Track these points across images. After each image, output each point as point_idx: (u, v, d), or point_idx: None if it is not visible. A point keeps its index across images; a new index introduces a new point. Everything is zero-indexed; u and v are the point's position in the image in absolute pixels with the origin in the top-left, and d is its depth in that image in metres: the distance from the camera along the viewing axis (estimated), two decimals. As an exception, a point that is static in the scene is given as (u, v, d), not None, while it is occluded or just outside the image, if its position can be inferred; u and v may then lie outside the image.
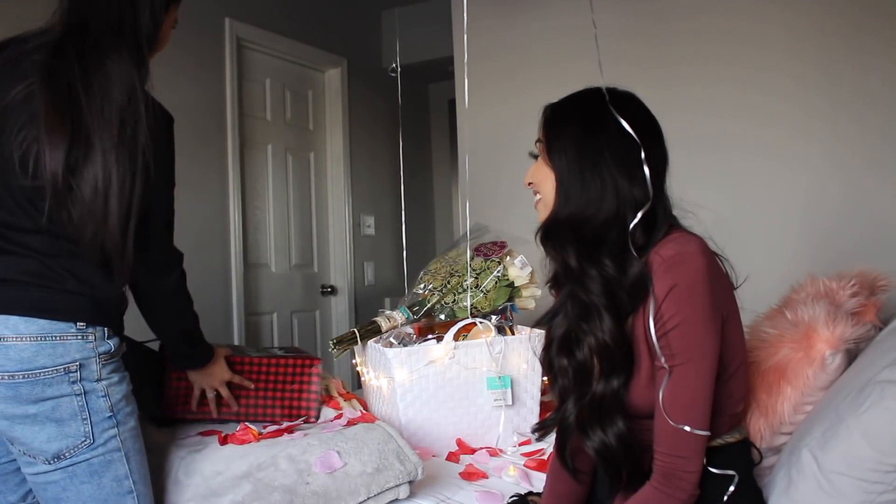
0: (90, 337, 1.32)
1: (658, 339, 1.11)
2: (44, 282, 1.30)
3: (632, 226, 1.14)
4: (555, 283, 1.29)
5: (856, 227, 2.37)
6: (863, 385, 1.16)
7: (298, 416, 1.78)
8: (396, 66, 2.43)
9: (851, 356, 1.33)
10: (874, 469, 1.09)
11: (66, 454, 1.30)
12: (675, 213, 1.23)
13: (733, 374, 1.18)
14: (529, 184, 1.28)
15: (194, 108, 3.06)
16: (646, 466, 1.18)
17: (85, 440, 1.31)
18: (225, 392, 1.72)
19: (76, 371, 1.30)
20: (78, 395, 1.30)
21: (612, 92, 1.22)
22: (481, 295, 1.95)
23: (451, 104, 4.21)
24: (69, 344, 1.30)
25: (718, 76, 2.57)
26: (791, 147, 2.48)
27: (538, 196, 1.26)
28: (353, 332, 1.92)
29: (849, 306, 1.40)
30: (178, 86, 2.95)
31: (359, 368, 2.08)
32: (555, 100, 1.29)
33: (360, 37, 3.98)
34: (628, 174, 1.16)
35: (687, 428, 1.09)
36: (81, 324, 1.31)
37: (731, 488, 1.15)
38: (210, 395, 1.72)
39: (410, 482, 1.46)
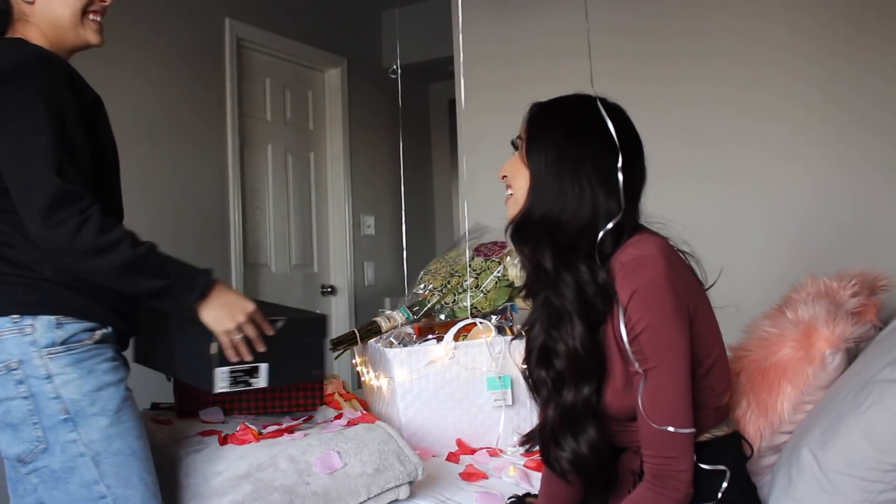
0: (27, 330, 1.22)
1: (631, 342, 1.11)
2: None
3: (601, 235, 1.15)
4: (529, 291, 1.28)
5: (857, 225, 2.37)
6: (863, 384, 1.16)
7: (303, 403, 1.78)
8: (397, 67, 2.42)
9: (851, 356, 1.34)
10: (874, 468, 1.09)
11: (26, 459, 1.24)
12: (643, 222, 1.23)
13: (710, 368, 1.18)
14: (504, 177, 1.27)
15: (194, 108, 3.06)
16: (630, 469, 1.19)
17: (39, 445, 1.23)
18: (251, 331, 1.33)
19: (17, 369, 1.22)
20: (26, 397, 1.22)
21: (602, 101, 1.22)
22: (481, 295, 1.95)
23: (451, 104, 4.21)
24: (6, 340, 1.22)
25: (719, 74, 2.57)
26: (791, 144, 2.48)
27: (510, 192, 1.26)
28: (353, 333, 1.92)
29: (849, 306, 1.40)
30: (179, 86, 2.95)
31: (359, 368, 2.08)
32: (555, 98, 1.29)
33: (360, 37, 3.98)
34: (606, 184, 1.16)
35: (671, 428, 1.10)
36: (16, 316, 1.23)
37: (725, 484, 1.15)
38: (236, 337, 1.31)
39: (411, 483, 1.46)
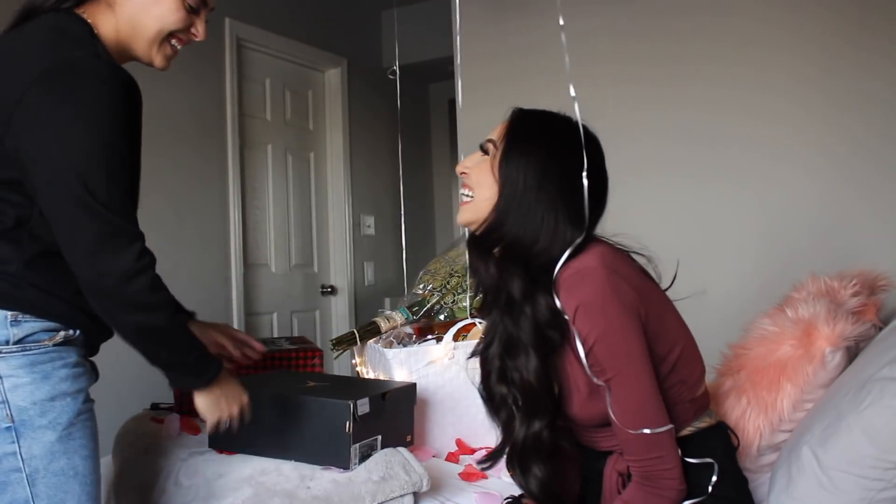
0: None
1: (587, 355, 1.10)
2: None
3: (559, 266, 1.12)
4: (483, 306, 1.27)
5: (856, 225, 2.37)
6: (863, 382, 1.16)
7: None
8: (396, 68, 2.42)
9: (852, 355, 1.34)
10: (874, 466, 1.09)
11: None
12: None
13: (676, 363, 1.17)
14: (463, 173, 1.24)
15: (194, 108, 3.06)
16: (617, 471, 1.19)
17: None
18: (236, 417, 1.30)
19: None
20: None
21: (584, 129, 1.18)
22: (481, 295, 1.94)
23: (452, 104, 4.21)
24: None
25: (717, 75, 2.57)
26: (791, 145, 2.48)
27: (469, 195, 1.22)
28: (353, 333, 1.92)
29: (849, 305, 1.41)
30: (178, 86, 2.95)
31: (358, 369, 2.07)
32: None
33: (360, 37, 3.98)
34: (576, 217, 1.14)
35: (647, 431, 1.09)
36: None
37: (714, 477, 1.15)
38: (223, 424, 1.29)
39: (415, 493, 1.46)
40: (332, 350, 1.92)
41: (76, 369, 1.18)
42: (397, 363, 1.74)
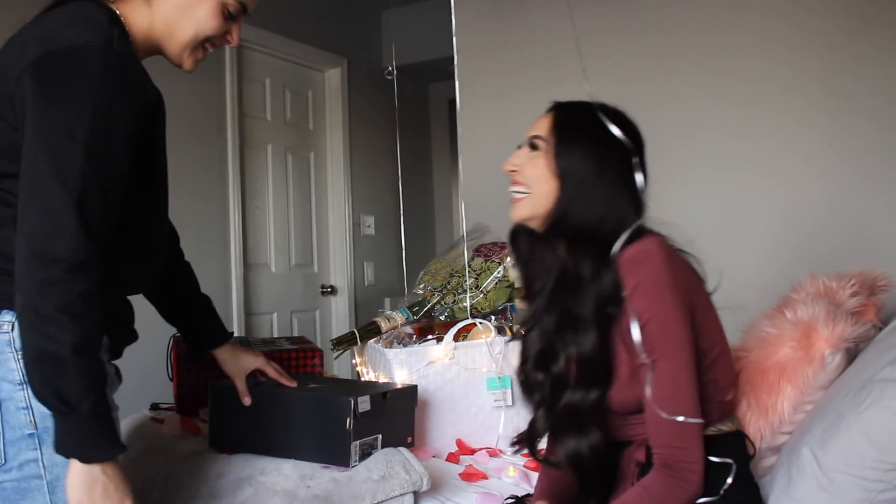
0: (6, 327, 1.06)
1: (639, 335, 1.13)
2: None
3: (622, 241, 1.16)
4: (527, 293, 1.30)
5: (855, 222, 2.37)
6: (863, 383, 1.16)
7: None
8: (392, 68, 2.42)
9: (851, 356, 1.34)
10: (874, 467, 1.09)
11: None
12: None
13: (714, 361, 1.20)
14: (512, 171, 1.27)
15: (194, 108, 3.06)
16: (635, 460, 1.20)
17: None
18: None
19: None
20: None
21: (613, 110, 1.25)
22: (481, 296, 1.95)
23: (452, 104, 4.21)
24: None
25: (720, 66, 2.58)
26: (791, 138, 2.48)
27: (524, 192, 1.25)
28: (353, 333, 1.92)
29: (849, 306, 1.40)
30: (178, 86, 2.94)
31: (359, 369, 2.07)
32: (556, 98, 1.29)
33: (360, 37, 3.98)
34: (630, 192, 1.20)
35: (680, 418, 1.11)
36: None
37: (730, 480, 1.15)
38: None
39: (415, 493, 1.46)
40: (332, 350, 1.92)
41: None
42: (397, 363, 1.75)
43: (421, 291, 2.01)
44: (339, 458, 1.42)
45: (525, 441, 1.33)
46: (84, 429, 1.03)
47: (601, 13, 2.75)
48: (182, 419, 1.77)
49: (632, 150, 1.21)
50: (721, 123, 2.58)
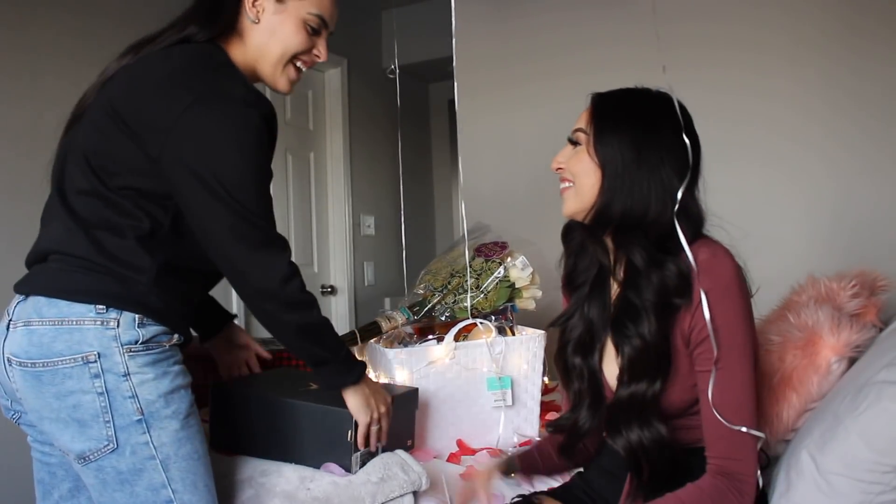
0: (111, 323, 1.18)
1: (701, 341, 1.12)
2: (65, 257, 1.21)
3: (680, 229, 1.14)
4: (568, 282, 1.30)
5: (853, 229, 2.37)
6: (861, 386, 1.16)
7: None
8: (395, 67, 2.43)
9: (852, 358, 1.34)
10: (872, 470, 1.09)
11: (91, 457, 1.19)
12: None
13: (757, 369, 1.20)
14: (559, 169, 1.27)
15: (194, 109, 3.06)
16: (674, 467, 1.18)
17: (108, 444, 1.19)
18: (385, 424, 1.42)
19: (95, 362, 1.17)
20: (100, 393, 1.17)
21: (668, 97, 1.21)
22: (482, 295, 1.95)
23: (452, 104, 4.21)
24: (86, 330, 1.17)
25: (718, 80, 2.57)
26: (790, 149, 2.49)
27: (569, 184, 1.24)
28: (354, 333, 1.92)
29: (850, 307, 1.40)
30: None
31: (359, 369, 2.07)
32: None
33: (360, 37, 3.98)
34: (680, 177, 1.16)
35: (744, 429, 1.10)
36: (101, 307, 1.18)
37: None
38: (374, 428, 1.41)
39: (415, 493, 1.46)
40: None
41: (184, 366, 1.29)
42: (398, 363, 1.75)
43: (421, 291, 2.01)
44: (342, 466, 1.43)
45: (564, 439, 1.33)
46: (343, 365, 1.34)
47: (609, 21, 2.75)
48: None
49: (676, 129, 1.16)
50: (720, 137, 2.57)
